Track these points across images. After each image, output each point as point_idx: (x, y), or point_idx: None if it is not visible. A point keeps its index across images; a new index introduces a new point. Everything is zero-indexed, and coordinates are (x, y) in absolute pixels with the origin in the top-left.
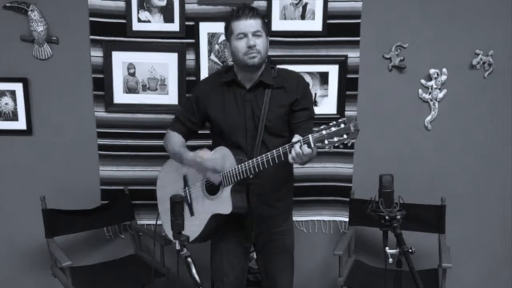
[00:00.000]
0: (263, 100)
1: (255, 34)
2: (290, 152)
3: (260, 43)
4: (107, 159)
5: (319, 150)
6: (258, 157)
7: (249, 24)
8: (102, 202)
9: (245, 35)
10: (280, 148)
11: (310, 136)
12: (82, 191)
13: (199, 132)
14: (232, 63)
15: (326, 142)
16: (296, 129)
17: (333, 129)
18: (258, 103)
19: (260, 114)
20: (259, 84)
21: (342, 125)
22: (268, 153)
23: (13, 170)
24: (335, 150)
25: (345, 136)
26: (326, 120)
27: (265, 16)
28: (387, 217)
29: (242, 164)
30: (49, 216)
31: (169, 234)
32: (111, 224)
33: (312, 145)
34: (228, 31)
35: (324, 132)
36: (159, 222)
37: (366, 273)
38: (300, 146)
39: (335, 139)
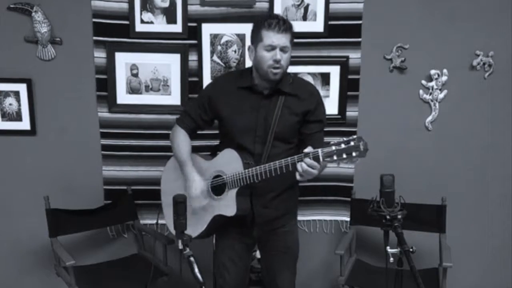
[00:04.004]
0: (276, 106)
1: (282, 49)
2: (298, 162)
3: (286, 58)
4: (110, 159)
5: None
6: (266, 164)
7: (280, 39)
8: (105, 201)
9: (273, 48)
10: (289, 158)
11: (319, 150)
12: (86, 191)
13: (204, 132)
14: (234, 63)
15: (335, 158)
16: (308, 139)
17: (343, 145)
18: (272, 110)
19: (272, 121)
20: (275, 91)
21: (352, 143)
22: (277, 161)
23: (17, 170)
24: None
25: (354, 154)
26: (327, 120)
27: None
28: (388, 217)
29: (249, 170)
30: (53, 215)
31: (170, 227)
32: (114, 223)
33: (321, 159)
34: (257, 37)
35: (333, 148)
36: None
37: (367, 272)
38: (308, 158)
39: (344, 155)
